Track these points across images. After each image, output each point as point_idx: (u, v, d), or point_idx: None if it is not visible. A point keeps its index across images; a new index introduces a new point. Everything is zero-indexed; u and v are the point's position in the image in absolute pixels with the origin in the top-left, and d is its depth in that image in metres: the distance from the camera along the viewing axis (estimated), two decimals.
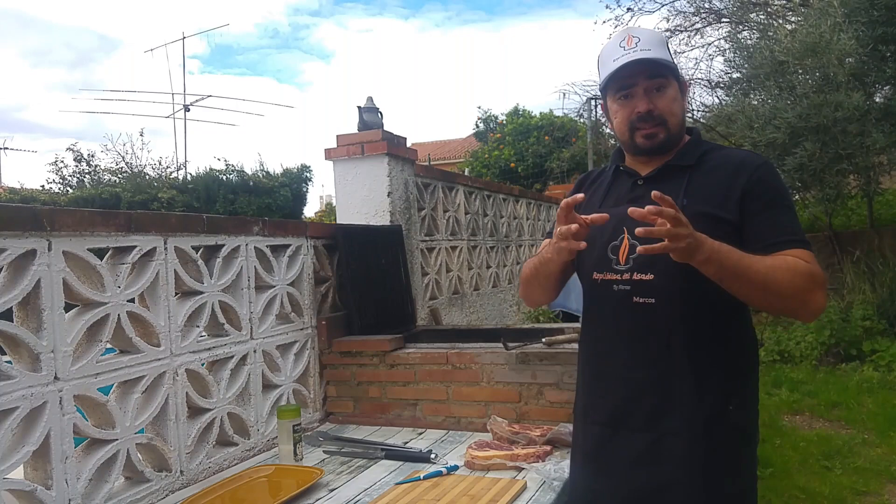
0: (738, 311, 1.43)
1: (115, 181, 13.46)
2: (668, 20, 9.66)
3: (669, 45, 1.54)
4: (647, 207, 1.19)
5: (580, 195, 1.37)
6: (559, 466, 1.85)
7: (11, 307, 1.62)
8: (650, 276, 1.38)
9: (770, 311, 1.34)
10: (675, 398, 1.39)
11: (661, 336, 1.40)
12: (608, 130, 12.27)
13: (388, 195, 3.46)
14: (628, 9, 9.75)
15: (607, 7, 9.79)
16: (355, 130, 3.53)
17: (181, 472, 2.03)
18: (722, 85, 8.45)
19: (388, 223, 3.44)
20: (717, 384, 1.39)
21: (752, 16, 7.87)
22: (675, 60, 1.52)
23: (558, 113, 14.21)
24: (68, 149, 15.41)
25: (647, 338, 1.42)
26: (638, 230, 1.23)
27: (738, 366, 1.44)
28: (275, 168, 11.71)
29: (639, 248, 1.29)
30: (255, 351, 2.38)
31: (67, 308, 1.75)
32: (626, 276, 1.42)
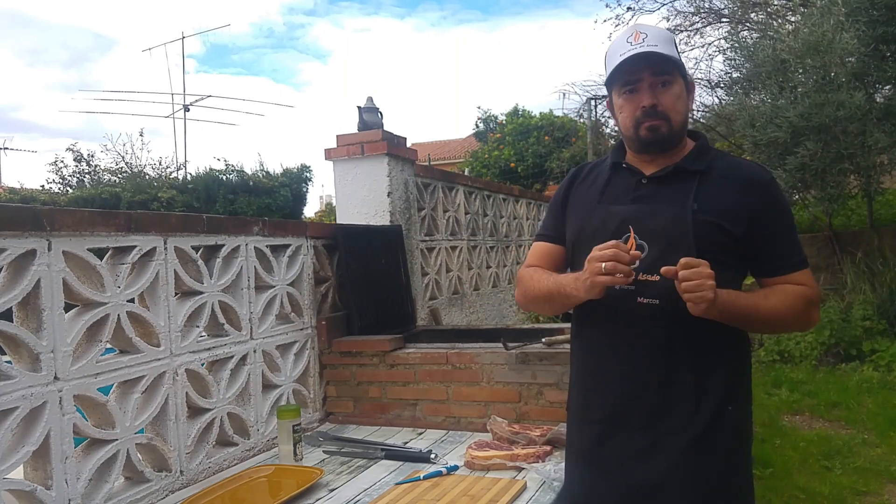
0: None
1: (115, 181, 13.45)
2: (668, 20, 9.65)
3: (677, 44, 1.54)
4: (683, 262, 1.27)
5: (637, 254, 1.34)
6: (559, 466, 1.84)
7: (11, 307, 1.62)
8: (656, 277, 1.36)
9: (771, 334, 1.41)
10: (675, 398, 1.40)
11: (663, 336, 1.40)
12: (608, 130, 12.24)
13: (388, 195, 3.46)
14: (628, 8, 9.73)
15: (607, 6, 9.75)
16: (355, 130, 3.53)
17: (181, 472, 2.03)
18: (722, 84, 8.44)
19: (388, 223, 3.44)
20: (716, 385, 1.40)
21: (752, 15, 7.86)
22: (682, 59, 1.51)
23: (558, 113, 14.18)
24: (68, 149, 15.42)
25: (649, 338, 1.41)
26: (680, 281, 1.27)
27: (737, 367, 1.44)
28: (275, 168, 11.70)
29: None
30: (254, 351, 2.38)
31: (67, 308, 1.75)
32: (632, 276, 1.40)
